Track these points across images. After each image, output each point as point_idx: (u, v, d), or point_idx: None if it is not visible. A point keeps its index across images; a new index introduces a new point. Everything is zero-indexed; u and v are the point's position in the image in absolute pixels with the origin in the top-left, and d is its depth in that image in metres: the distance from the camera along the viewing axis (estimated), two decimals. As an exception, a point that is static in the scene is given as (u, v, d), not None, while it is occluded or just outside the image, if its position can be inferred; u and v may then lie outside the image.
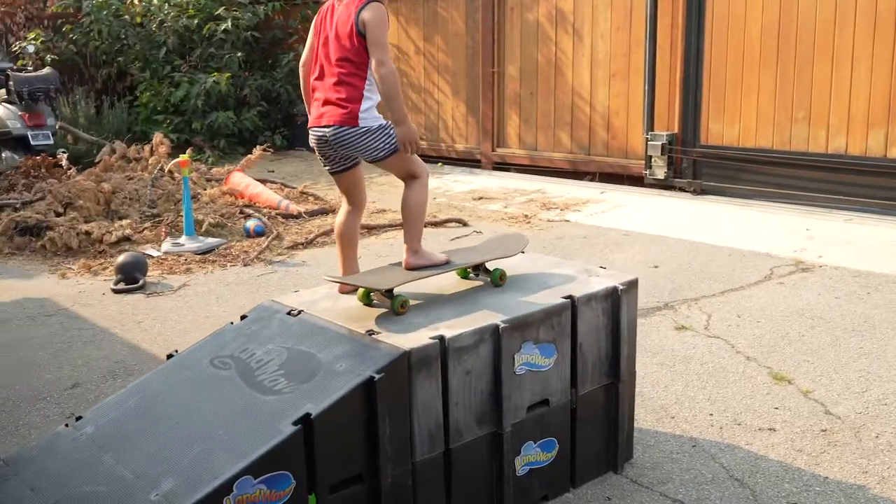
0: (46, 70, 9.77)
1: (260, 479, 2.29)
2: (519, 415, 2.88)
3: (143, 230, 6.85)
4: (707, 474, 3.20)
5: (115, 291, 5.62)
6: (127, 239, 6.64)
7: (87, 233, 6.60)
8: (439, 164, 10.66)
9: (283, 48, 11.87)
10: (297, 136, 11.63)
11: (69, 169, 8.36)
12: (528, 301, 2.99)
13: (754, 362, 4.24)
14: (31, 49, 10.83)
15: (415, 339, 2.66)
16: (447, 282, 3.29)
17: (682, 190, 8.26)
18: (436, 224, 7.32)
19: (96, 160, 8.64)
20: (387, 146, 3.23)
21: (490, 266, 3.30)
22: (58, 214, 6.97)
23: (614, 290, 3.11)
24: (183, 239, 6.61)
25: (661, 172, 8.29)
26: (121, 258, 5.84)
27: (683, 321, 4.82)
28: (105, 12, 10.82)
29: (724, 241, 6.49)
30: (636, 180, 8.67)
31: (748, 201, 7.76)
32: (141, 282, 5.71)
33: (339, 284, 3.19)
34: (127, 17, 11.01)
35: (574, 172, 9.29)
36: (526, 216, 7.58)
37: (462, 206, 8.22)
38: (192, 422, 2.54)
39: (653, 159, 8.34)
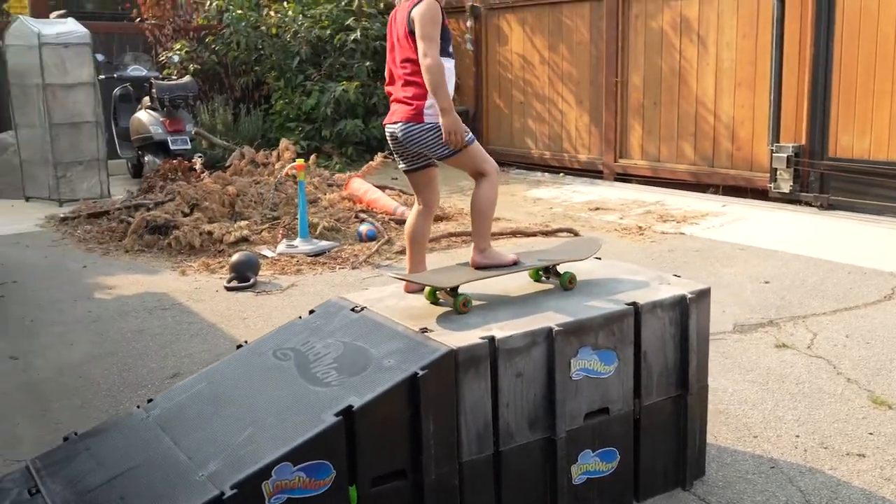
0: (186, 79, 10.32)
1: (299, 467, 2.35)
2: (575, 422, 2.84)
3: (262, 231, 7.12)
4: (781, 498, 3.06)
5: (228, 289, 5.87)
6: (245, 239, 6.92)
7: (210, 233, 6.92)
8: (561, 174, 10.59)
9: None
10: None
11: (202, 172, 8.78)
12: (590, 306, 2.94)
13: (855, 385, 4.02)
14: (175, 59, 11.47)
15: (465, 338, 2.67)
16: (516, 283, 3.28)
17: (808, 204, 7.91)
18: (546, 233, 7.29)
19: (227, 164, 9.04)
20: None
21: (560, 269, 3.28)
22: (185, 215, 7.34)
23: (683, 298, 3.03)
24: (297, 241, 6.84)
25: (786, 186, 7.96)
26: (234, 257, 6.09)
27: (786, 339, 4.62)
28: (244, 24, 11.31)
29: (845, 258, 6.17)
30: (760, 194, 8.36)
31: (878, 218, 7.36)
32: (252, 280, 5.94)
33: (405, 283, 3.24)
34: (264, 28, 11.47)
35: (696, 185, 9.05)
36: (640, 228, 7.44)
37: (577, 216, 8.15)
38: (247, 409, 2.63)
39: (778, 172, 8.03)
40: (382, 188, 8.67)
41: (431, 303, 3.09)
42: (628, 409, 2.97)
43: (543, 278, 3.33)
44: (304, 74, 11.43)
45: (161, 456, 2.53)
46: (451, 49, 3.31)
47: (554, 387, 2.76)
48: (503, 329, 2.74)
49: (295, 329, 3.04)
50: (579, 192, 9.48)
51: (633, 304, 2.95)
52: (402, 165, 3.44)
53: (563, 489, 2.83)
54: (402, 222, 7.71)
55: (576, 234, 7.25)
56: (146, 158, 10.05)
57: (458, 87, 12.09)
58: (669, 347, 3.04)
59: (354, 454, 2.45)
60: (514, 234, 7.27)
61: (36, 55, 9.08)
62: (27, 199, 9.48)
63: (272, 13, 11.43)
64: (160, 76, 10.73)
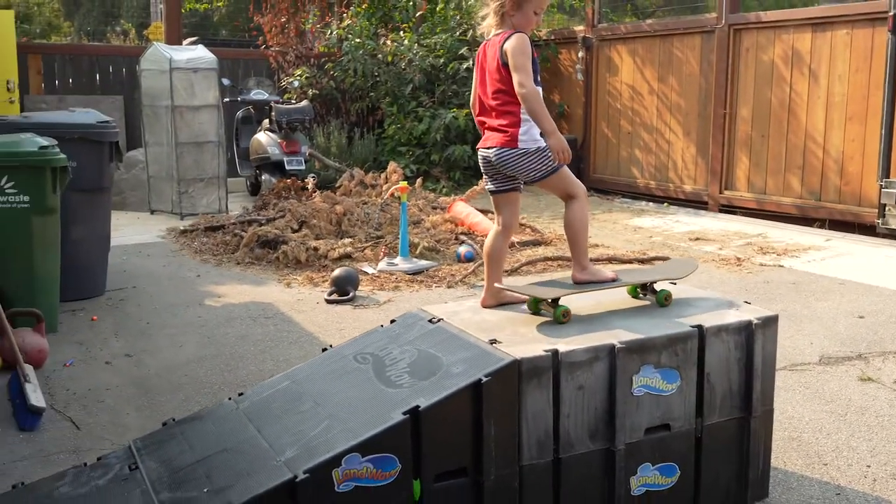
0: (303, 103, 10.83)
1: (367, 458, 2.56)
2: (635, 435, 2.96)
3: (365, 249, 7.43)
4: (844, 523, 3.09)
5: (328, 301, 6.18)
6: (348, 256, 7.24)
7: (315, 248, 7.27)
8: (665, 204, 10.59)
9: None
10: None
11: (313, 192, 9.19)
12: (656, 325, 3.06)
13: (938, 421, 3.97)
14: (296, 84, 12.03)
15: (530, 350, 2.83)
16: (611, 298, 3.43)
17: (917, 242, 7.71)
18: (642, 261, 7.34)
19: (337, 185, 9.44)
20: (544, 167, 3.44)
21: (657, 287, 3.42)
22: (294, 231, 7.72)
23: (749, 324, 3.11)
24: (398, 259, 7.11)
25: (894, 222, 7.78)
26: (336, 272, 6.40)
27: (872, 373, 4.58)
28: (361, 52, 11.77)
29: (949, 297, 6.02)
30: (868, 229, 8.19)
31: None
32: (351, 294, 6.23)
33: (482, 298, 3.44)
34: (380, 56, 11.91)
35: (802, 218, 8.92)
36: (738, 259, 7.41)
37: (676, 245, 8.16)
38: (325, 405, 2.86)
39: (887, 208, 7.86)
40: (485, 212, 8.87)
41: (533, 313, 3.30)
42: (690, 427, 3.07)
43: (641, 295, 3.47)
44: (416, 101, 11.80)
45: (245, 442, 2.78)
46: (539, 79, 3.49)
47: (615, 401, 2.89)
48: (569, 343, 2.89)
49: (376, 336, 3.27)
50: (681, 222, 9.47)
51: (698, 326, 3.05)
52: (489, 186, 3.64)
53: (620, 499, 2.95)
54: (500, 246, 7.88)
55: (672, 264, 7.27)
56: (263, 177, 10.58)
57: (566, 116, 12.25)
58: (734, 370, 3.12)
59: (419, 450, 2.64)
60: (610, 260, 7.36)
61: (167, 79, 9.72)
62: (152, 212, 10.11)
63: (389, 42, 11.85)
64: (279, 100, 11.27)
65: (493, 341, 2.92)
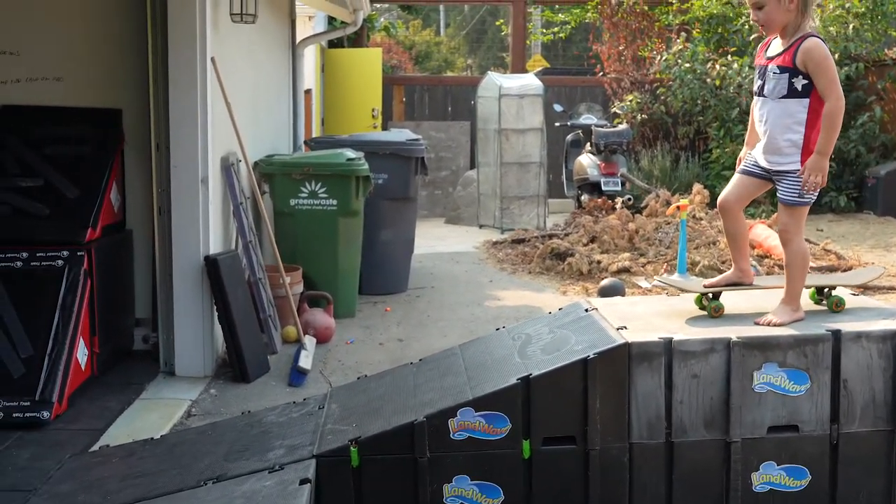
0: (622, 126, 11.20)
1: (480, 414, 2.99)
2: (757, 431, 3.05)
3: (646, 264, 7.66)
4: None
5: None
6: (626, 270, 7.52)
7: (598, 262, 7.65)
8: None
9: (861, 110, 11.62)
10: (867, 198, 11.27)
11: (622, 210, 9.54)
12: (798, 326, 3.15)
13: None
14: (624, 108, 12.44)
15: (648, 336, 3.07)
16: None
17: None
18: None
19: (643, 205, 9.69)
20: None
21: (834, 293, 3.48)
22: (584, 245, 8.16)
23: (894, 333, 3.05)
24: (675, 276, 7.24)
25: None
26: (603, 282, 6.75)
27: None
28: (690, 76, 11.88)
29: None
30: None
31: None
32: (615, 304, 6.54)
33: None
34: (708, 80, 11.92)
35: None
36: None
37: None
38: (471, 369, 3.33)
39: None
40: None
41: (700, 308, 3.52)
42: (823, 432, 3.08)
43: (821, 301, 3.52)
44: (743, 124, 11.62)
45: (403, 392, 3.34)
46: None
47: (730, 393, 3.02)
48: (688, 334, 3.08)
49: (540, 320, 3.67)
50: None
51: (835, 331, 3.06)
52: (743, 166, 3.61)
53: (737, 491, 3.05)
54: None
55: None
56: (583, 197, 11.12)
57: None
58: (878, 379, 3.07)
59: (529, 414, 3.01)
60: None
61: (497, 104, 10.66)
62: (480, 226, 11.08)
63: (717, 66, 11.83)
64: (606, 124, 11.75)
65: (621, 328, 3.19)
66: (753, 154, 3.56)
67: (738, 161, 3.76)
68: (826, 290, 3.50)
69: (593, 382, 2.98)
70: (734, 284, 3.57)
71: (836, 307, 3.38)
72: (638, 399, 3.02)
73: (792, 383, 3.04)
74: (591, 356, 2.98)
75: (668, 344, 3.02)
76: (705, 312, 3.45)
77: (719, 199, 3.67)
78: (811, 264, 7.69)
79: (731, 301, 3.49)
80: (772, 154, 3.44)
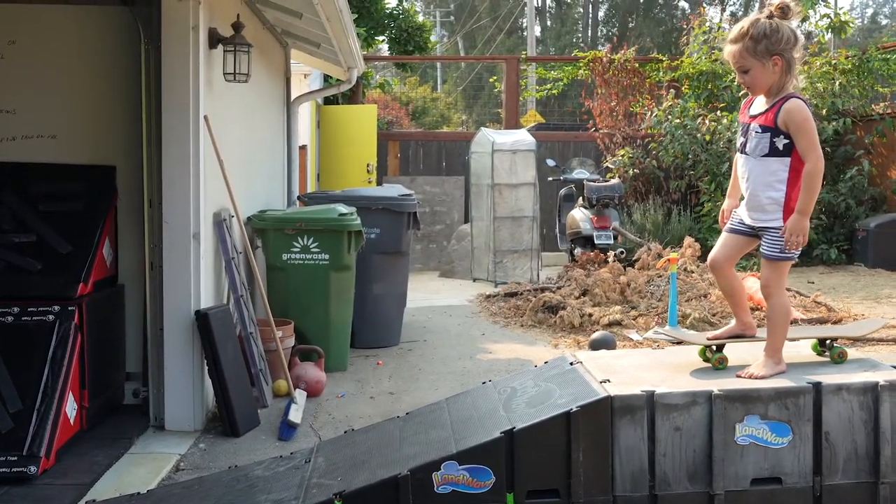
0: (614, 181, 11.33)
1: (464, 467, 3.01)
2: (740, 484, 3.07)
3: (637, 317, 7.69)
4: None
5: (583, 362, 6.57)
6: (618, 323, 7.56)
7: (590, 315, 7.69)
8: None
9: (850, 164, 11.77)
10: (857, 251, 11.35)
11: (614, 263, 9.59)
12: (786, 378, 3.18)
13: None
14: (615, 163, 12.58)
15: (631, 390, 3.10)
16: (792, 353, 3.51)
17: None
18: None
19: (635, 258, 9.76)
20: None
21: (835, 345, 3.54)
22: (575, 298, 8.20)
23: (874, 385, 3.08)
24: (666, 328, 7.28)
25: None
26: (594, 335, 6.78)
27: None
28: (680, 132, 12.05)
29: None
30: None
31: None
32: (606, 357, 6.56)
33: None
34: (698, 135, 12.08)
35: None
36: None
37: None
38: (456, 423, 3.34)
39: None
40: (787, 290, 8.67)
41: (704, 360, 3.57)
42: (806, 484, 3.09)
43: (823, 352, 3.57)
44: (733, 178, 11.75)
45: (387, 447, 3.35)
46: None
47: (712, 445, 3.04)
48: (671, 387, 3.11)
49: (526, 374, 3.70)
50: None
51: (815, 383, 3.09)
52: (729, 225, 3.69)
53: (721, 544, 3.06)
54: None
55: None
56: (576, 250, 11.19)
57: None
58: (859, 432, 3.10)
59: (513, 467, 3.02)
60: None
61: (490, 159, 10.78)
62: (474, 279, 11.13)
63: (707, 121, 12.00)
64: (597, 178, 11.88)
65: (604, 381, 3.22)
66: (738, 212, 3.64)
67: (721, 214, 3.83)
68: (828, 341, 3.54)
69: (576, 435, 3.01)
70: (737, 336, 3.64)
71: (839, 358, 3.43)
72: (621, 452, 3.04)
73: (774, 436, 3.07)
74: (574, 409, 3.01)
75: (650, 397, 3.05)
76: (703, 365, 3.49)
77: (709, 258, 3.75)
78: (801, 316, 7.79)
79: (736, 354, 3.55)
80: (754, 211, 3.51)
